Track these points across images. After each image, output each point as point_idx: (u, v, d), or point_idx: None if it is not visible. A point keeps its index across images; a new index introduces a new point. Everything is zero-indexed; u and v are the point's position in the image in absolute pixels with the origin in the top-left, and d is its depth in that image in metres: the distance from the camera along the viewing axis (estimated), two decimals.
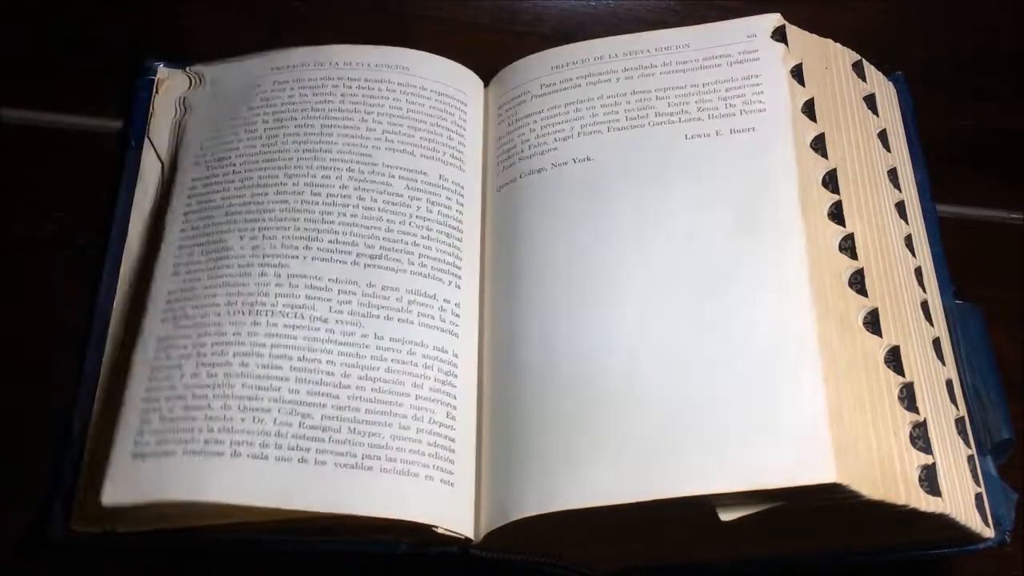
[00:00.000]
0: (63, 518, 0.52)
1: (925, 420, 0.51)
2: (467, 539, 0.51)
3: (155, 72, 0.64)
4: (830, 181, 0.55)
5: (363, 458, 0.50)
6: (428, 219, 0.57)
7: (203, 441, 0.50)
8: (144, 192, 0.60)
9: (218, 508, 0.49)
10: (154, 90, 0.63)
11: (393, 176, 0.58)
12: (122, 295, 0.58)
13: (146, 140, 0.62)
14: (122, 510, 0.50)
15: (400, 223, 0.57)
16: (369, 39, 0.63)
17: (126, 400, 0.52)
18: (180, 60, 0.64)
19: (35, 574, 0.54)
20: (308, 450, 0.50)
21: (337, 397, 0.51)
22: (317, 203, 0.56)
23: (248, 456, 0.50)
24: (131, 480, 0.49)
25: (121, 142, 0.63)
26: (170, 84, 0.63)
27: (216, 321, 0.53)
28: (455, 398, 0.54)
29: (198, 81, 0.63)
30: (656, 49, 0.61)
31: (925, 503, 0.48)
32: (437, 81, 0.62)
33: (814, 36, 0.60)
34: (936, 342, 0.55)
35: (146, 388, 0.52)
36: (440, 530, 0.51)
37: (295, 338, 0.53)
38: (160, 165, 0.61)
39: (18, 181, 0.63)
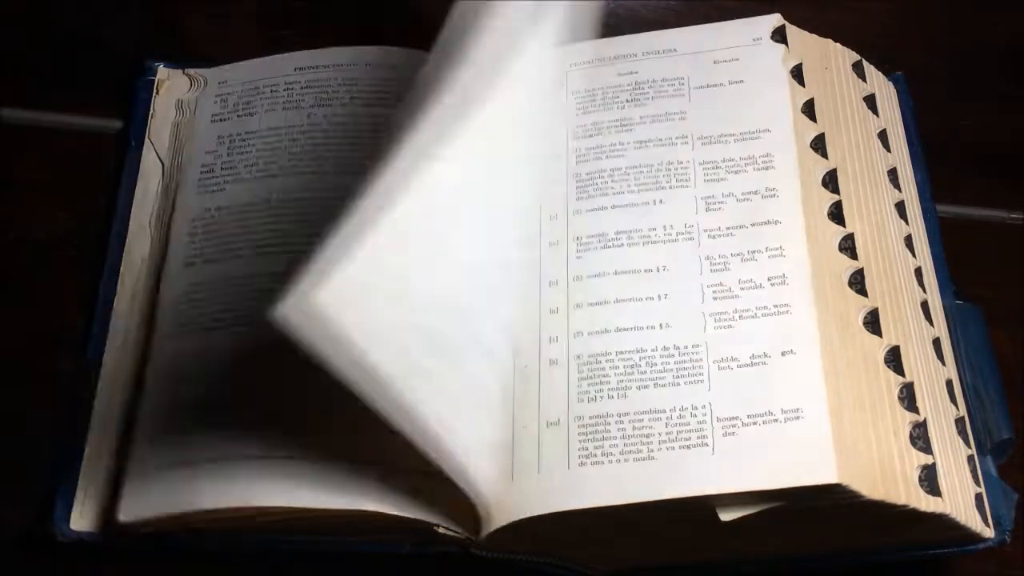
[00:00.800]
0: (63, 518, 0.52)
1: (925, 420, 0.51)
2: (468, 539, 0.51)
3: (155, 72, 0.64)
4: (830, 181, 0.55)
5: (366, 455, 0.50)
6: None
7: (215, 451, 0.50)
8: (144, 192, 0.60)
9: (229, 511, 0.50)
10: (154, 91, 0.63)
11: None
12: (122, 295, 0.58)
13: (146, 140, 0.62)
14: (137, 524, 0.50)
15: None
16: (368, 39, 0.63)
17: (140, 416, 0.52)
18: (180, 60, 0.64)
19: (36, 573, 0.54)
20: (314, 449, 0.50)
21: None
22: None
23: (257, 457, 0.50)
24: (147, 495, 0.50)
25: (121, 142, 0.63)
26: (170, 84, 0.63)
27: (225, 335, 0.53)
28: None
29: (202, 83, 0.63)
30: (656, 49, 0.61)
31: (925, 503, 0.48)
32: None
33: (814, 36, 0.60)
34: (936, 342, 0.55)
35: (159, 403, 0.52)
36: (441, 530, 0.51)
37: None
38: (160, 165, 0.61)
39: (18, 181, 0.63)
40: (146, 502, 0.50)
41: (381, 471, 0.50)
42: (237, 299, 0.55)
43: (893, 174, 0.59)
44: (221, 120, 0.61)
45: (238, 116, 0.61)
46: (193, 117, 0.61)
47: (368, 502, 0.49)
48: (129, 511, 0.50)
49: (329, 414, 0.50)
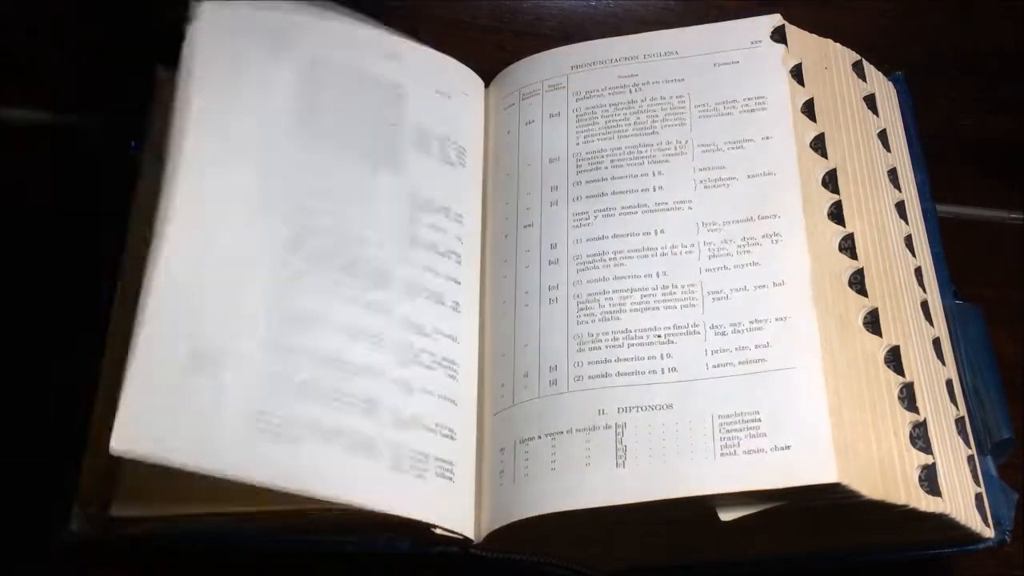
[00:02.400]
0: (63, 518, 0.52)
1: (925, 420, 0.51)
2: (467, 539, 0.51)
3: (155, 72, 0.63)
4: (830, 181, 0.55)
5: (365, 454, 0.50)
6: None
7: (214, 414, 0.48)
8: (144, 192, 0.60)
9: (221, 490, 0.48)
10: (154, 90, 0.63)
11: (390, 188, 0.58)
12: (122, 295, 0.58)
13: (146, 140, 0.61)
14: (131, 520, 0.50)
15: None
16: None
17: (136, 350, 0.49)
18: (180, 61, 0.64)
19: (36, 573, 0.54)
20: (313, 440, 0.50)
21: (337, 399, 0.52)
22: (319, 213, 0.56)
23: (257, 436, 0.49)
24: (139, 431, 0.47)
25: (121, 142, 0.63)
26: (170, 84, 0.63)
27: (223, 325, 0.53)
28: (455, 399, 0.54)
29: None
30: (657, 50, 0.61)
31: (925, 503, 0.48)
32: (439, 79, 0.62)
33: (814, 36, 0.60)
34: (936, 342, 0.55)
35: (155, 345, 0.50)
36: (439, 530, 0.51)
37: (302, 344, 0.53)
38: (160, 165, 0.61)
39: (18, 181, 0.63)
40: (140, 500, 0.50)
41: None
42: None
43: (893, 174, 0.59)
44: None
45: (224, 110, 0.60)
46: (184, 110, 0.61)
47: (364, 500, 0.49)
48: (123, 507, 0.50)
49: None
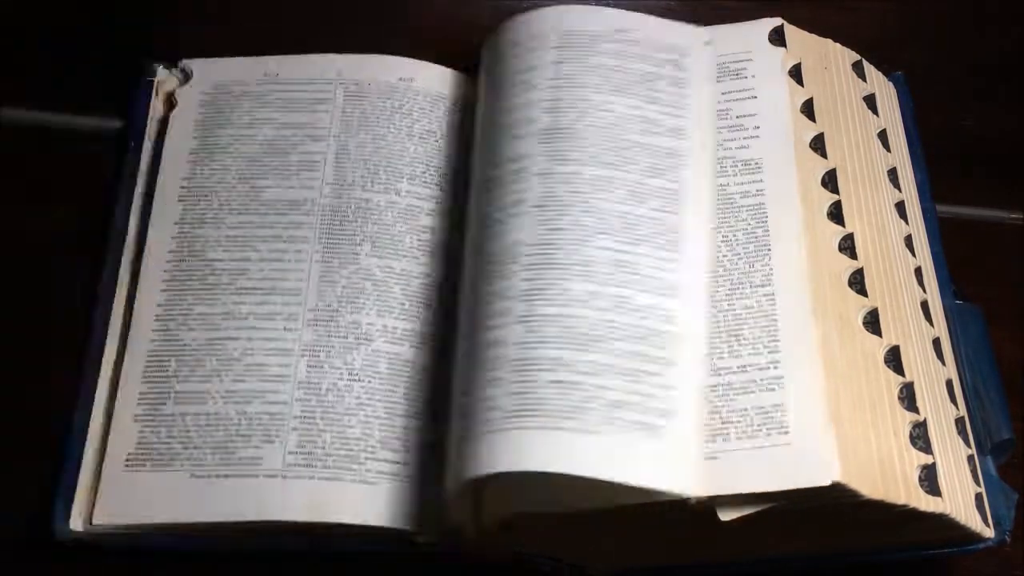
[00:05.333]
0: (63, 518, 0.52)
1: (925, 420, 0.51)
2: (413, 532, 0.52)
3: (154, 73, 0.64)
4: (830, 181, 0.55)
5: (334, 467, 0.52)
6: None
7: (190, 461, 0.52)
8: (143, 192, 0.60)
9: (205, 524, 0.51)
10: (153, 91, 0.63)
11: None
12: (121, 296, 0.58)
13: (145, 140, 0.62)
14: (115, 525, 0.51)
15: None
16: (368, 39, 0.63)
17: (116, 416, 0.53)
18: (179, 61, 0.64)
19: (36, 573, 0.54)
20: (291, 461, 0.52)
21: (312, 406, 0.53)
22: (305, 223, 0.57)
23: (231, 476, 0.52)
24: (121, 499, 0.51)
25: (121, 142, 0.63)
26: (168, 85, 0.63)
27: (198, 338, 0.54)
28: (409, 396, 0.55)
29: (184, 78, 0.62)
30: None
31: (925, 503, 0.48)
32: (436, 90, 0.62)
33: (813, 36, 0.60)
34: (936, 342, 0.55)
35: (136, 404, 0.53)
36: (421, 539, 0.52)
37: (271, 359, 0.54)
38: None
39: (18, 180, 0.63)
40: (118, 508, 0.51)
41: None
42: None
43: (893, 174, 0.59)
44: (194, 120, 0.61)
45: (209, 117, 0.61)
46: (173, 113, 0.61)
47: (344, 515, 0.51)
48: (103, 516, 0.51)
49: None
